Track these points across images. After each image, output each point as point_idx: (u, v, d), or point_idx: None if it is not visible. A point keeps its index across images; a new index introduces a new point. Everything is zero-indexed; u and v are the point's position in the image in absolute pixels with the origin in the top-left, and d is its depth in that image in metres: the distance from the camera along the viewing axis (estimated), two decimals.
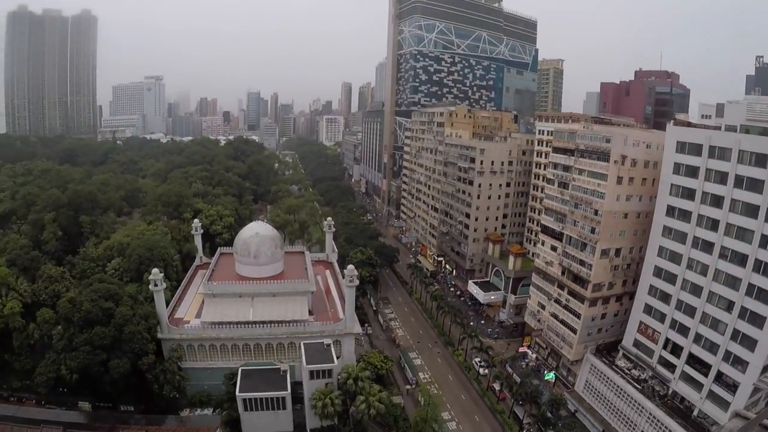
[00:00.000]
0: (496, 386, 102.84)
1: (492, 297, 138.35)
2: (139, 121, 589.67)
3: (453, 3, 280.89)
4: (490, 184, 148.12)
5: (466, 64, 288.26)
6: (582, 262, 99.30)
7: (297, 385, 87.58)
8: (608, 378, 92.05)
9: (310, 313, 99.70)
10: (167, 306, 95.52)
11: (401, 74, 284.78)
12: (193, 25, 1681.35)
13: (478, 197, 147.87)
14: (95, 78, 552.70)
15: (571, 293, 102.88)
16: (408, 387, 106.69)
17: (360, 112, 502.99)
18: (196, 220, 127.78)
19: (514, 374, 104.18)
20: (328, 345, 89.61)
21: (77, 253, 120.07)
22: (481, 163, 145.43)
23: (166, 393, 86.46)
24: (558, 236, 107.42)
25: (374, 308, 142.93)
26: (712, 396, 75.52)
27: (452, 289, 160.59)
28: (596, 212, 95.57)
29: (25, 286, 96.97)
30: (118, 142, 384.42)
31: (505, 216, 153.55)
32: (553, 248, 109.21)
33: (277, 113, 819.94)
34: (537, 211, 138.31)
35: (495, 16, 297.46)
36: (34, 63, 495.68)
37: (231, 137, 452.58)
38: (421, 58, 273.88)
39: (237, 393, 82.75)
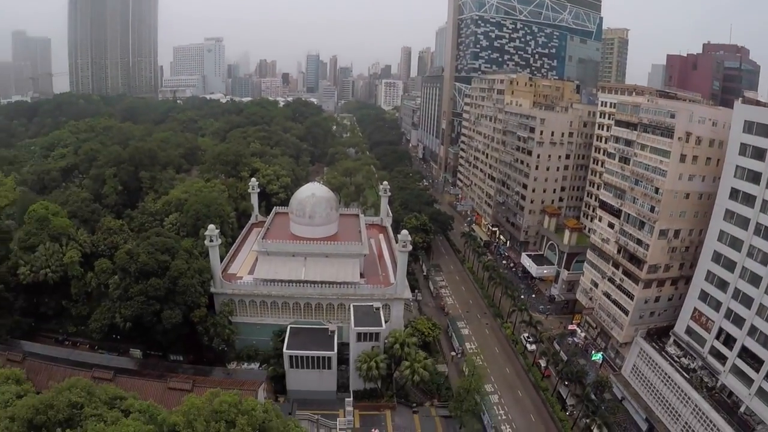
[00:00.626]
0: (542, 362, 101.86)
1: (545, 271, 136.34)
2: (199, 82, 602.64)
3: None
4: (549, 156, 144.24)
5: (528, 31, 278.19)
6: (639, 242, 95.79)
7: (343, 346, 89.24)
8: (656, 364, 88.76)
9: (362, 275, 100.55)
10: (221, 261, 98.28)
11: (461, 39, 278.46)
12: None
13: (537, 168, 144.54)
14: (156, 39, 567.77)
15: (626, 273, 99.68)
16: (453, 355, 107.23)
17: (419, 76, 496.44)
18: (253, 179, 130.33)
19: (561, 352, 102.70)
20: (377, 308, 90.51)
21: (136, 207, 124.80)
22: (541, 133, 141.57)
23: (215, 345, 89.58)
24: (616, 213, 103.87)
25: (425, 275, 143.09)
26: (761, 393, 71.28)
27: (505, 260, 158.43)
28: (657, 190, 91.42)
29: (84, 237, 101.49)
30: (178, 101, 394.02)
31: (563, 189, 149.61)
32: (611, 225, 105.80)
33: (335, 76, 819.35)
34: (596, 186, 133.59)
35: None
36: (97, 25, 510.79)
37: (290, 99, 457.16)
38: (482, 24, 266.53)
39: (284, 350, 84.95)
